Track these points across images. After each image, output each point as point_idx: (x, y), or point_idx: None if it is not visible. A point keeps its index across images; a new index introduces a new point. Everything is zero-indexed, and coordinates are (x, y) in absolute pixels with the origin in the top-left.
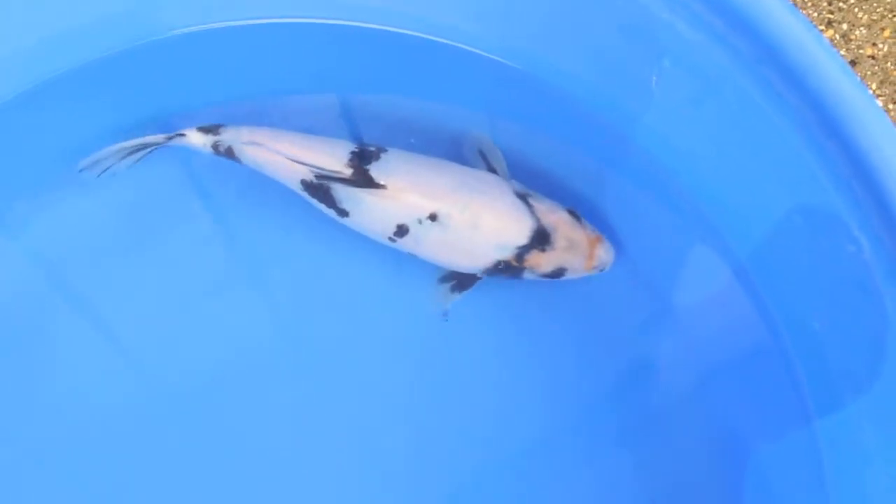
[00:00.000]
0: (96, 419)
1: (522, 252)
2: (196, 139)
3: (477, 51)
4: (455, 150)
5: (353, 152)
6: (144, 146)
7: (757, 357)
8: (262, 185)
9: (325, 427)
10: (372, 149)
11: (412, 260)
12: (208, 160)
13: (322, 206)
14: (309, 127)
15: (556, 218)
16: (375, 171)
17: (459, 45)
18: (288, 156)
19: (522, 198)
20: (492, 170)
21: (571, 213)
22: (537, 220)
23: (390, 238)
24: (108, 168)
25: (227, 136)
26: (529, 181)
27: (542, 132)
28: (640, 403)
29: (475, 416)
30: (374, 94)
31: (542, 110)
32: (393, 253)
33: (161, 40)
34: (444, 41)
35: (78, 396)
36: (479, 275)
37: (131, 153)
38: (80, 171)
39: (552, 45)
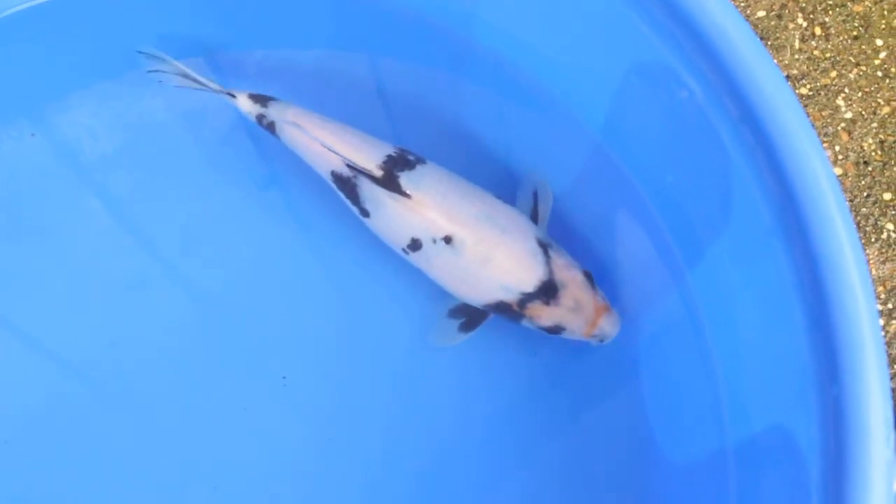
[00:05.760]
0: (15, 420)
1: (525, 300)
2: (244, 104)
3: None
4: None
5: (389, 156)
6: (198, 82)
7: (627, 227)
8: (162, 171)
9: (250, 420)
10: (411, 157)
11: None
12: (97, 147)
13: (347, 202)
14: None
15: (569, 276)
16: (406, 179)
17: None
18: (324, 144)
19: (544, 247)
20: (534, 212)
21: (587, 275)
22: (550, 272)
23: (404, 249)
24: (160, 70)
25: (273, 112)
26: (383, 109)
27: (384, 54)
28: None
29: (395, 411)
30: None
31: (378, 30)
32: (312, 236)
33: None
34: None
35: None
36: (481, 308)
37: (187, 78)
38: (139, 51)
39: None
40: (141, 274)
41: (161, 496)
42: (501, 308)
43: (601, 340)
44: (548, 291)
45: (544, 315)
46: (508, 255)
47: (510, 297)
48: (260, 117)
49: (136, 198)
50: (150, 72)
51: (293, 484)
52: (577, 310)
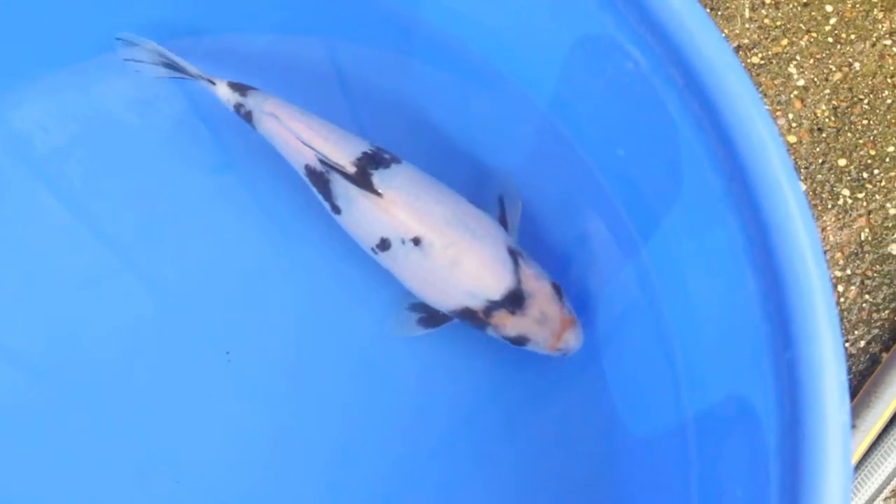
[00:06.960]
0: None
1: (491, 307)
2: (223, 92)
3: None
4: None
5: (364, 153)
6: (178, 68)
7: (581, 203)
8: (115, 161)
9: (210, 414)
10: (386, 156)
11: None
12: (49, 141)
13: (319, 197)
14: None
15: (537, 286)
16: (379, 177)
17: None
18: (299, 137)
19: (513, 255)
20: (502, 217)
21: (556, 287)
22: (518, 281)
23: (373, 249)
24: (138, 60)
25: (251, 102)
26: (335, 92)
27: (333, 37)
28: None
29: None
30: None
31: (326, 12)
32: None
33: None
34: None
35: None
36: (447, 314)
37: (166, 65)
38: (118, 38)
39: None
40: (97, 266)
41: (123, 492)
42: (467, 314)
43: (565, 354)
44: (514, 301)
45: (509, 324)
46: (477, 260)
47: (476, 303)
48: (238, 106)
49: (90, 189)
50: (126, 60)
51: (255, 477)
52: (543, 321)
